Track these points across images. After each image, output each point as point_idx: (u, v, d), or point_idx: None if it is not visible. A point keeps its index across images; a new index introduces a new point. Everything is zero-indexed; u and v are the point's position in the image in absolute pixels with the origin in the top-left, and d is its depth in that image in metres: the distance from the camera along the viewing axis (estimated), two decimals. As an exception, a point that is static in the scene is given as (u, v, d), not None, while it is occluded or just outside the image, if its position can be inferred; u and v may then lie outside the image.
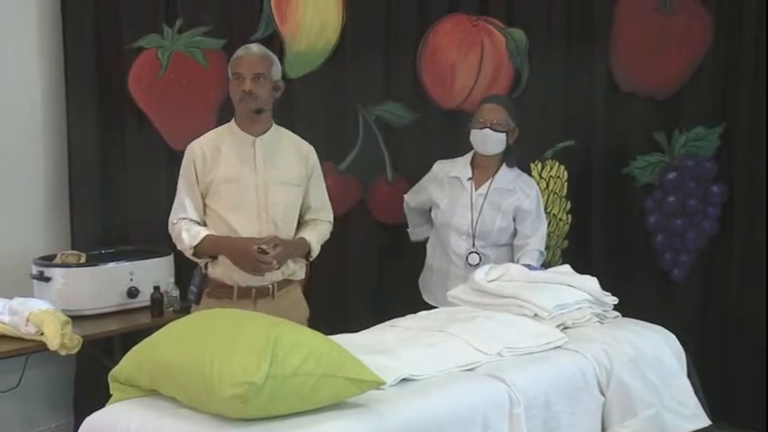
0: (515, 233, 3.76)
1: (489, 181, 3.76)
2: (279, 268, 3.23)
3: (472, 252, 3.72)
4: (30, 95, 4.19)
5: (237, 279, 3.26)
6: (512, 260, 3.71)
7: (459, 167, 3.81)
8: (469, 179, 3.77)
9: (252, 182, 3.26)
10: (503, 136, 3.70)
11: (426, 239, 3.97)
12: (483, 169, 3.78)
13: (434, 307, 3.53)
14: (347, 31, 4.25)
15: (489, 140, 3.70)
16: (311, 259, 3.42)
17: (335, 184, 3.99)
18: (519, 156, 3.82)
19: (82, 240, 4.20)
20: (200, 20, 4.24)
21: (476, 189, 3.76)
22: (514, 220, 3.75)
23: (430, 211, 3.91)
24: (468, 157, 3.82)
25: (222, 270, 3.27)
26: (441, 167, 3.87)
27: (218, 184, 3.27)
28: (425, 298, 3.87)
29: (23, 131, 4.17)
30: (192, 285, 3.36)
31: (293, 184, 3.33)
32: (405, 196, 4.04)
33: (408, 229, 4.09)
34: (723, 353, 4.05)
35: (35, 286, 3.79)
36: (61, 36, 4.20)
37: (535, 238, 3.73)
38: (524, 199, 3.74)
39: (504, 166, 3.78)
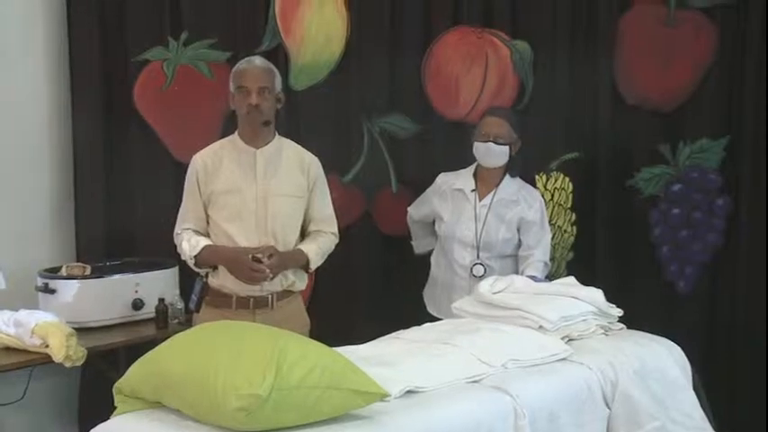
0: (520, 244, 3.77)
1: (493, 192, 3.76)
2: (273, 278, 3.23)
3: (477, 263, 3.72)
4: (36, 108, 4.20)
5: (236, 289, 3.28)
6: (516, 271, 3.72)
7: (463, 179, 3.82)
8: (473, 191, 3.78)
9: (252, 193, 3.28)
10: (505, 149, 3.72)
11: (430, 252, 3.97)
12: (486, 180, 3.79)
13: (439, 319, 3.53)
14: (351, 43, 4.26)
15: (492, 154, 3.72)
16: (310, 271, 3.42)
17: (340, 197, 3.98)
18: (520, 164, 3.83)
19: (87, 252, 4.20)
20: (206, 32, 4.26)
21: (479, 200, 3.77)
22: (518, 230, 3.75)
23: (433, 223, 3.91)
24: (471, 168, 3.83)
25: (221, 280, 3.30)
26: (444, 180, 3.88)
27: (219, 195, 3.29)
28: (430, 310, 3.88)
29: (29, 143, 4.18)
30: (192, 293, 3.39)
31: (294, 195, 3.34)
32: (408, 209, 4.05)
33: (412, 242, 4.10)
34: (728, 365, 4.03)
35: (40, 298, 3.80)
36: (67, 49, 4.22)
37: (539, 248, 3.73)
38: (528, 210, 3.75)
39: (507, 177, 3.79)
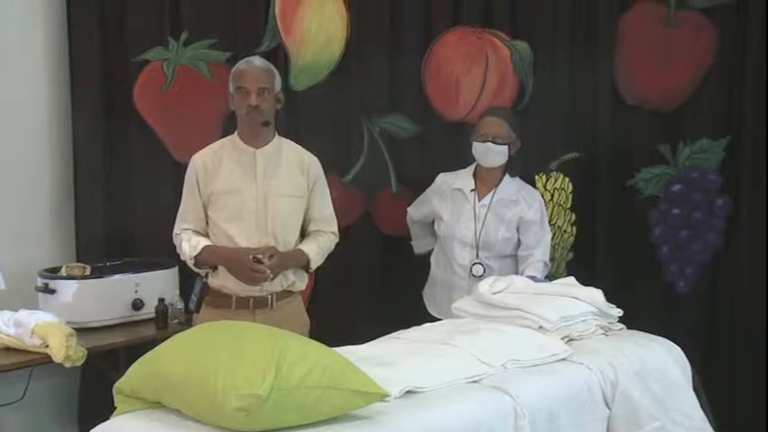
0: (519, 244, 3.77)
1: (492, 192, 3.77)
2: (274, 279, 3.23)
3: (476, 263, 3.72)
4: (36, 108, 4.20)
5: (236, 289, 3.28)
6: (516, 271, 3.72)
7: (462, 179, 3.83)
8: (472, 190, 3.78)
9: (252, 193, 3.28)
10: (504, 148, 3.72)
11: (430, 252, 3.97)
12: (486, 180, 3.80)
13: (439, 319, 3.53)
14: (352, 43, 4.26)
15: (491, 153, 3.72)
16: (311, 271, 3.43)
17: (340, 197, 3.98)
18: (520, 164, 3.83)
19: (87, 252, 4.20)
20: (206, 33, 4.26)
21: (479, 200, 3.77)
22: (518, 230, 3.76)
23: (433, 223, 3.91)
24: (471, 168, 3.84)
25: (221, 280, 3.30)
26: (443, 180, 3.88)
27: (219, 196, 3.29)
28: (430, 310, 3.88)
29: (29, 144, 4.18)
30: (192, 294, 3.39)
31: (294, 195, 3.34)
32: (408, 209, 4.05)
33: (412, 242, 4.10)
34: (729, 365, 4.03)
35: (40, 298, 3.80)
36: (67, 49, 4.22)
37: (539, 249, 3.73)
38: (527, 209, 3.75)
39: (506, 177, 3.79)
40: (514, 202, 3.77)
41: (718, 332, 4.06)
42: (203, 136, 3.75)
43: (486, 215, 3.74)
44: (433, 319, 3.51)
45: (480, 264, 3.72)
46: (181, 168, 3.57)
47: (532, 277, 3.54)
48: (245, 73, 3.29)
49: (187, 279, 3.75)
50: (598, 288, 3.32)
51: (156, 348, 2.53)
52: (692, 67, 4.01)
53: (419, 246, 4.08)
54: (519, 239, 3.77)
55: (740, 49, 3.94)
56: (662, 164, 4.08)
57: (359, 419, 2.34)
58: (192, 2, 4.26)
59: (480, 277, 3.64)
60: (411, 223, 4.06)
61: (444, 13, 4.25)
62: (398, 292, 4.25)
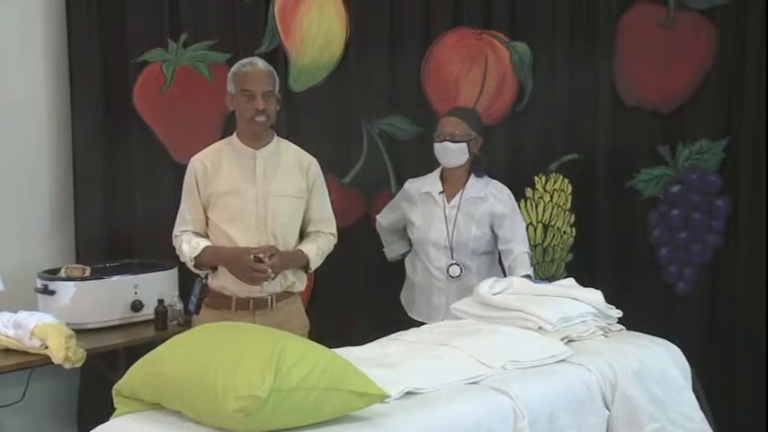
0: (496, 240, 3.76)
1: (460, 192, 3.76)
2: (274, 278, 3.23)
3: (453, 264, 3.71)
4: (36, 108, 4.21)
5: (236, 290, 3.27)
6: (495, 269, 3.74)
7: (430, 183, 3.82)
8: (441, 193, 3.77)
9: (252, 194, 3.28)
10: (462, 146, 3.70)
11: (403, 255, 3.97)
12: (452, 182, 3.79)
13: (422, 322, 3.53)
14: (351, 44, 4.26)
15: (449, 152, 3.70)
16: (310, 271, 3.43)
17: (339, 198, 3.99)
18: (487, 165, 3.82)
19: (86, 254, 4.21)
20: (205, 34, 4.26)
21: (448, 202, 3.76)
22: (492, 227, 3.74)
23: (404, 229, 3.91)
24: (437, 172, 3.83)
25: (221, 281, 3.30)
26: (412, 185, 3.88)
27: (219, 197, 3.29)
28: (411, 314, 3.86)
29: (29, 145, 4.18)
30: (192, 295, 3.39)
31: (293, 196, 3.34)
32: (377, 217, 4.05)
33: (384, 249, 4.08)
34: (728, 366, 4.03)
35: (40, 300, 3.80)
36: (66, 50, 4.23)
37: (517, 240, 3.71)
38: (497, 204, 3.74)
39: (472, 177, 3.78)
40: (483, 199, 3.74)
41: (718, 333, 4.07)
42: (203, 137, 3.75)
43: (456, 216, 3.73)
44: (414, 323, 3.51)
45: (457, 264, 3.71)
46: (180, 169, 3.57)
47: (529, 277, 3.54)
48: (251, 76, 3.28)
49: (187, 280, 3.75)
50: (597, 289, 3.32)
51: (156, 350, 2.53)
52: (692, 68, 4.01)
53: (391, 251, 4.07)
54: (493, 235, 3.76)
55: (740, 50, 3.95)
56: (661, 165, 4.08)
57: (358, 421, 2.34)
58: (191, 3, 4.27)
59: (458, 278, 3.68)
60: (381, 230, 4.05)
61: (444, 13, 4.25)
62: (398, 293, 4.24)
